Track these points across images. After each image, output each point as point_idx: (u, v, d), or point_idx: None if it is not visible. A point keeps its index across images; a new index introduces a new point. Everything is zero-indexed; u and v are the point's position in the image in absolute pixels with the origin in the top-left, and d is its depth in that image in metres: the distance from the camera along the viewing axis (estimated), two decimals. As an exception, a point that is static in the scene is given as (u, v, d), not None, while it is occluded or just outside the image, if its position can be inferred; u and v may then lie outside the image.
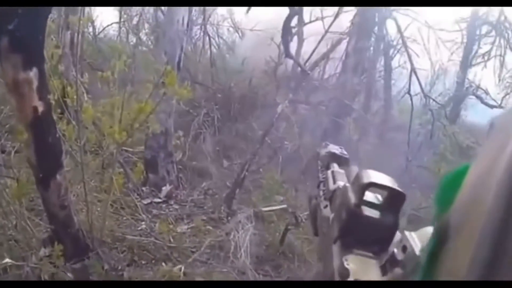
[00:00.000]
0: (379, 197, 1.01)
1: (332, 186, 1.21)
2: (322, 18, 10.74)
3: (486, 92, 14.00)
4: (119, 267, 5.70)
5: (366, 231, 0.95)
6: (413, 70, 10.96)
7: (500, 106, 13.11)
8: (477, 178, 0.56)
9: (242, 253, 6.06)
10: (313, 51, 11.00)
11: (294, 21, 8.33)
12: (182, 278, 5.63)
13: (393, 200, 0.96)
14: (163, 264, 5.98)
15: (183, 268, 5.81)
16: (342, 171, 1.32)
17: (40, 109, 4.46)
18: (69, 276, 5.05)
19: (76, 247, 5.31)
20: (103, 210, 6.08)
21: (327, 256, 0.99)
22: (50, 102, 4.67)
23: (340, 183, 1.18)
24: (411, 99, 11.43)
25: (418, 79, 11.09)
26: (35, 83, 4.37)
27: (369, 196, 0.98)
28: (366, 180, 0.96)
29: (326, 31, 11.06)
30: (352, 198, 0.97)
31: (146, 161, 8.01)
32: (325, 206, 1.18)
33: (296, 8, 7.96)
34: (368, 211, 0.96)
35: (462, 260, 0.52)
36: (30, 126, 4.47)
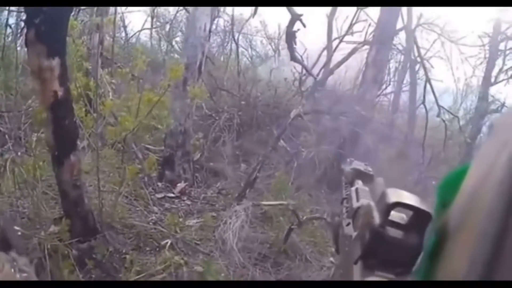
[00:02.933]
0: (404, 216, 0.98)
1: (355, 204, 1.18)
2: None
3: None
4: (123, 251, 5.91)
5: (389, 253, 0.92)
6: (428, 81, 11.19)
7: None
8: (477, 178, 0.57)
9: (230, 235, 6.31)
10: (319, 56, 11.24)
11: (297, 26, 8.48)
12: (183, 266, 5.94)
13: (419, 221, 0.94)
14: (167, 252, 6.14)
15: (184, 257, 6.12)
16: (366, 188, 1.31)
17: (60, 94, 4.82)
18: (73, 253, 5.23)
19: (84, 227, 5.52)
20: (115, 197, 6.38)
21: (347, 276, 0.96)
22: (69, 89, 5.07)
23: (364, 201, 1.14)
24: (426, 110, 11.63)
25: (432, 89, 11.26)
26: (56, 71, 4.77)
27: (394, 215, 0.96)
28: (392, 199, 0.93)
29: (341, 41, 11.37)
30: (377, 217, 0.95)
31: (164, 158, 8.34)
32: (348, 224, 1.15)
33: (298, 13, 8.17)
34: (392, 232, 0.93)
35: (462, 260, 0.53)
36: (50, 108, 4.84)
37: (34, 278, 3.20)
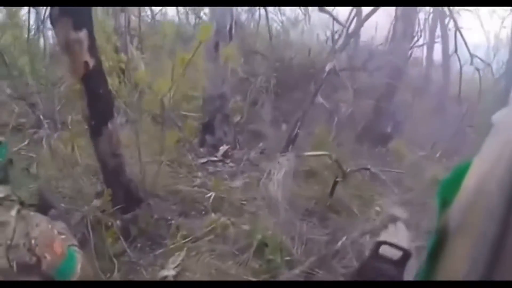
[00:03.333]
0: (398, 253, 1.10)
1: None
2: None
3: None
4: (169, 217, 5.85)
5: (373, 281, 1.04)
6: (457, 30, 10.88)
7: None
8: (478, 178, 0.57)
9: (275, 184, 6.22)
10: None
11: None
12: (230, 227, 5.89)
13: (402, 257, 1.07)
14: (213, 214, 6.11)
15: (231, 218, 6.04)
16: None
17: (91, 64, 4.71)
18: (117, 224, 5.18)
19: (126, 197, 5.44)
20: (157, 166, 6.26)
21: None
22: (100, 60, 4.95)
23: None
24: (459, 59, 11.35)
25: (463, 38, 10.97)
26: (85, 42, 4.64)
27: (386, 250, 1.09)
28: (380, 238, 1.09)
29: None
30: (368, 252, 1.10)
31: (203, 124, 8.23)
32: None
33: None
34: (379, 264, 1.06)
35: (463, 259, 0.53)
36: (83, 79, 4.74)
37: (73, 242, 3.11)
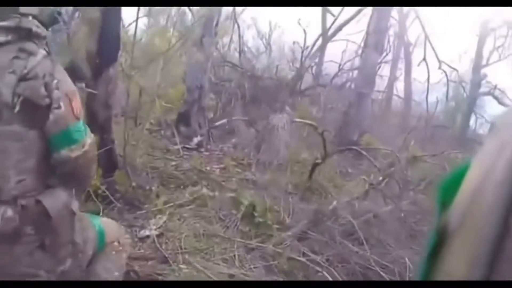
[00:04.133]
0: None
1: None
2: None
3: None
4: (147, 187, 5.48)
5: None
6: (427, 38, 11.12)
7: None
8: (477, 179, 0.55)
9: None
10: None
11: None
12: (212, 198, 5.53)
13: None
14: (193, 187, 5.74)
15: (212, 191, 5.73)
16: None
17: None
18: (101, 188, 4.88)
19: (107, 160, 5.09)
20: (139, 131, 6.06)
21: None
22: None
23: None
24: (427, 66, 11.70)
25: (431, 45, 11.28)
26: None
27: None
28: None
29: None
30: None
31: (179, 114, 7.95)
32: None
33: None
34: None
35: (463, 260, 0.52)
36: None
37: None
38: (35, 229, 2.13)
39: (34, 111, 2.06)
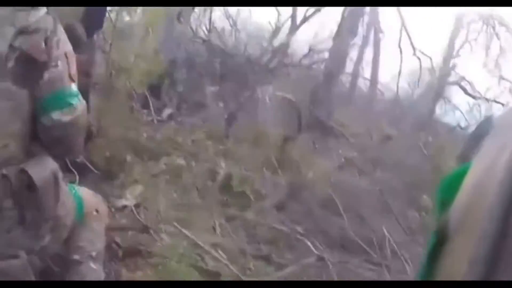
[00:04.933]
0: None
1: None
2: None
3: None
4: (122, 157, 5.21)
5: None
6: (403, 25, 11.14)
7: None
8: (477, 179, 0.54)
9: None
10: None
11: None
12: (184, 169, 5.32)
13: None
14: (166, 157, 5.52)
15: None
16: None
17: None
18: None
19: None
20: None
21: None
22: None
23: None
24: (401, 52, 11.65)
25: (407, 33, 11.25)
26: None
27: None
28: None
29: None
30: None
31: (151, 86, 7.67)
32: None
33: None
34: None
35: (462, 260, 0.50)
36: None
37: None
38: (15, 203, 1.88)
39: (29, 68, 1.84)
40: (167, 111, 7.38)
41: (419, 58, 11.78)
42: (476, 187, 0.54)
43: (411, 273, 4.28)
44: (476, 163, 0.57)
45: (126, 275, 3.40)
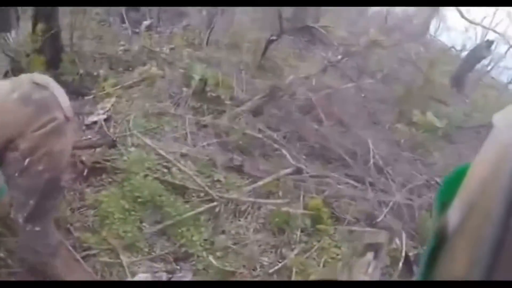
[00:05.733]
0: None
1: None
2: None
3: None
4: (95, 72, 4.96)
5: None
6: None
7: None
8: (477, 179, 0.52)
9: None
10: None
11: None
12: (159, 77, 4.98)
13: None
14: (142, 67, 5.18)
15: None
16: None
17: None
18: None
19: (53, 49, 4.58)
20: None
21: None
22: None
23: None
24: None
25: None
26: None
27: None
28: None
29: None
30: None
31: (127, -1, 7.22)
32: None
33: None
34: None
35: (462, 260, 0.50)
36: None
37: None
38: None
39: None
40: (145, 23, 6.92)
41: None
42: (476, 188, 0.51)
43: (395, 192, 4.05)
44: (476, 163, 0.55)
45: (90, 196, 3.17)
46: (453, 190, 0.56)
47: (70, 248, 2.61)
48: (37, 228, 2.16)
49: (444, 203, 0.59)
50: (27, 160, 1.99)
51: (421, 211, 3.92)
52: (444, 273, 0.54)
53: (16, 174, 2.03)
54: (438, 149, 5.33)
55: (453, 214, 0.55)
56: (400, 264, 3.19)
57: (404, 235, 3.50)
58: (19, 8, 4.65)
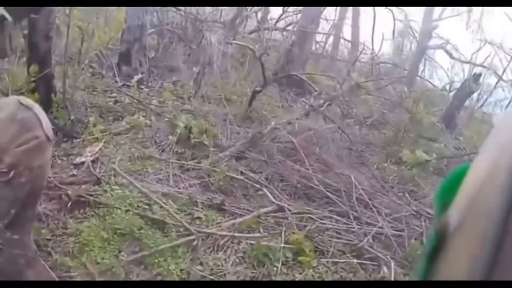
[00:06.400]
0: None
1: None
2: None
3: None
4: (86, 120, 5.07)
5: None
6: None
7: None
8: (477, 179, 0.51)
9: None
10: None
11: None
12: (146, 126, 5.12)
13: None
14: (130, 116, 5.30)
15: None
16: None
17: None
18: None
19: (47, 93, 4.76)
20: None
21: None
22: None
23: None
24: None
25: None
26: None
27: None
28: None
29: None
30: None
31: (120, 54, 7.41)
32: None
33: None
34: None
35: (462, 260, 0.49)
36: None
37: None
38: None
39: None
40: (137, 77, 7.11)
41: (391, 11, 11.45)
42: (477, 187, 0.51)
43: (382, 223, 4.07)
44: (477, 163, 0.55)
45: (72, 226, 3.24)
46: (453, 190, 0.57)
47: (46, 265, 2.67)
48: (15, 236, 2.25)
49: (445, 203, 0.59)
50: (12, 173, 2.10)
51: (410, 241, 3.91)
52: (444, 272, 0.54)
53: (2, 185, 2.13)
54: (428, 184, 5.30)
55: (454, 213, 0.55)
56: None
57: (392, 264, 3.52)
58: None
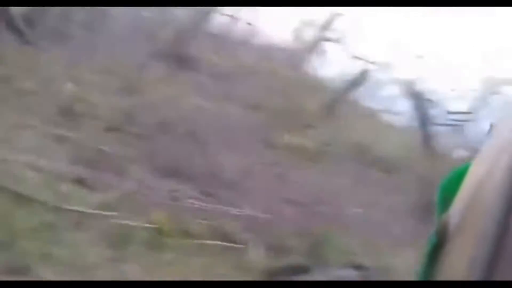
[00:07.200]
0: None
1: None
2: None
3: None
4: None
5: None
6: None
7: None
8: (477, 179, 0.52)
9: None
10: None
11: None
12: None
13: None
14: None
15: None
16: None
17: None
18: None
19: None
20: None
21: None
22: None
23: None
24: None
25: None
26: None
27: None
28: None
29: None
30: None
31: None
32: None
33: None
34: None
35: (462, 260, 0.48)
36: None
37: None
38: None
39: None
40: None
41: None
42: (476, 187, 0.52)
43: (243, 206, 4.08)
44: (476, 163, 0.55)
45: None
46: (453, 189, 0.57)
47: None
48: None
49: (445, 201, 0.59)
50: None
51: (278, 224, 3.94)
52: (444, 272, 0.54)
53: None
54: (305, 168, 5.38)
55: (454, 213, 0.55)
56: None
57: (262, 248, 3.56)
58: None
